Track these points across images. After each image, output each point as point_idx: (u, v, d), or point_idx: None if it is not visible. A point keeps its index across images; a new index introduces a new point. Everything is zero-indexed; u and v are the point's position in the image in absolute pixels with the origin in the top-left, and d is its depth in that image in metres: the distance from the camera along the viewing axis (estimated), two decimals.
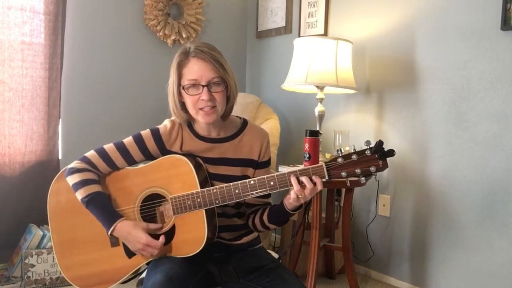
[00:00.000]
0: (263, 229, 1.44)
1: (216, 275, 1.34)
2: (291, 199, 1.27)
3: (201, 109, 1.33)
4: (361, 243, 2.64)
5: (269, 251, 1.56)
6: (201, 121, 1.36)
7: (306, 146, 2.10)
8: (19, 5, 2.41)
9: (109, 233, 1.31)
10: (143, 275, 1.40)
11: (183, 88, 1.33)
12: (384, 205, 2.52)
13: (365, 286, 2.48)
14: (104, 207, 1.34)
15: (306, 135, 2.10)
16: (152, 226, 1.33)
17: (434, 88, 2.27)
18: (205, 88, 1.30)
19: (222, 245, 1.41)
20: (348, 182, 1.25)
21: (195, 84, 1.31)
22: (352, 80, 2.36)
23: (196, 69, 1.31)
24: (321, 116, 2.40)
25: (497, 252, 2.05)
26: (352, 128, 2.50)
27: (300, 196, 1.23)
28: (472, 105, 2.12)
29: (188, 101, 1.34)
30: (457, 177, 2.18)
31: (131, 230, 1.30)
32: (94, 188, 1.34)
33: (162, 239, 1.30)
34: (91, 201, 1.32)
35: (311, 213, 2.23)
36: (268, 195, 1.43)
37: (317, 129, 2.34)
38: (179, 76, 1.34)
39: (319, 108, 2.39)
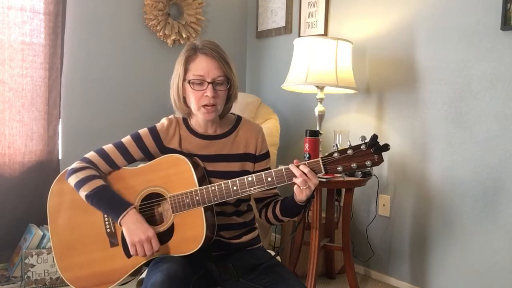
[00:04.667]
0: (277, 222, 1.46)
1: (215, 274, 1.34)
2: (295, 192, 1.29)
3: (203, 106, 1.35)
4: (361, 243, 2.64)
5: (269, 251, 1.56)
6: (201, 118, 1.38)
7: (306, 146, 2.10)
8: (19, 5, 2.41)
9: (118, 220, 1.30)
10: (143, 275, 1.40)
11: (189, 82, 1.35)
12: (384, 205, 2.52)
13: (365, 286, 2.48)
14: (112, 197, 1.34)
15: (306, 135, 2.10)
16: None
17: (434, 88, 2.27)
18: (210, 85, 1.33)
19: (221, 244, 1.41)
20: (344, 176, 1.26)
21: (201, 82, 1.34)
22: (352, 80, 2.36)
23: (203, 66, 1.34)
24: (321, 116, 2.40)
25: (497, 252, 2.05)
26: (352, 128, 2.50)
27: (302, 188, 1.25)
28: (472, 105, 2.12)
29: (192, 96, 1.36)
30: (457, 177, 2.18)
31: (142, 221, 1.31)
32: (99, 182, 1.34)
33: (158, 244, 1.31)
34: (97, 194, 1.32)
35: (311, 213, 2.23)
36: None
37: (317, 129, 2.34)
38: (185, 70, 1.37)
39: (319, 108, 2.39)
